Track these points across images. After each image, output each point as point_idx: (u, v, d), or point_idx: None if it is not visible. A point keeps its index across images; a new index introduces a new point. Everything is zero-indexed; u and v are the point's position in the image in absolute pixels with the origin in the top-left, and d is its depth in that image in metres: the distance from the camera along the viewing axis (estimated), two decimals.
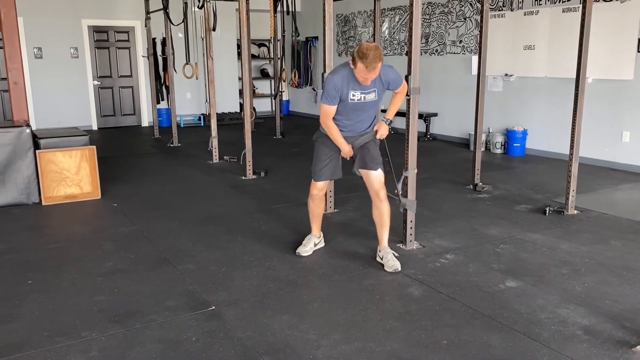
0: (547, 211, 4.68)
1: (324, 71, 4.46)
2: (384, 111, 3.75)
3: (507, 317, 2.88)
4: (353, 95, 3.32)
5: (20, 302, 3.10)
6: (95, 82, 10.28)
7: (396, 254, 3.63)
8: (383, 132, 3.56)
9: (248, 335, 2.71)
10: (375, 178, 3.54)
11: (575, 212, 4.73)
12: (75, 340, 2.66)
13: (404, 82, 3.56)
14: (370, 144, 3.54)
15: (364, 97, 3.35)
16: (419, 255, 3.79)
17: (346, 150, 3.50)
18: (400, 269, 3.48)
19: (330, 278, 3.40)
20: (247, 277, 3.43)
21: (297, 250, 3.78)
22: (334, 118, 3.43)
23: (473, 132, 5.78)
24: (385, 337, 2.69)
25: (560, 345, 2.60)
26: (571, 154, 4.69)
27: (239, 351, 2.57)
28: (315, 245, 3.84)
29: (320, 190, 3.69)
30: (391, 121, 3.58)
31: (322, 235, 3.94)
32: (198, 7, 7.20)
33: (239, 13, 5.99)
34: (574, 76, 4.59)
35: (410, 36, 3.62)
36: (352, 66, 3.20)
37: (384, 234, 3.65)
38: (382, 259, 3.61)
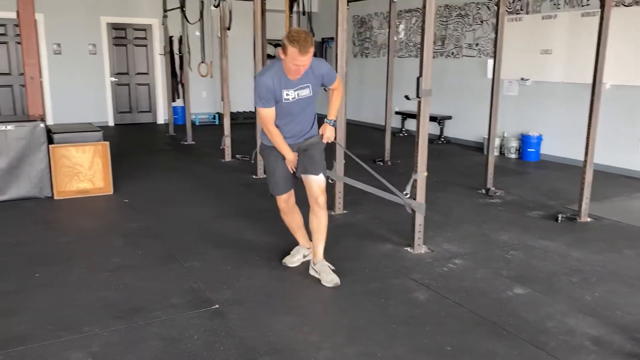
0: (560, 218, 4.61)
1: (337, 72, 4.43)
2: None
3: (513, 324, 2.83)
4: (287, 95, 3.10)
5: (27, 295, 3.13)
6: (113, 79, 10.37)
7: (332, 267, 3.37)
8: (329, 134, 3.37)
9: (250, 335, 2.70)
10: (315, 183, 3.28)
11: (589, 219, 4.65)
12: (78, 335, 2.67)
13: (339, 77, 3.37)
14: (314, 148, 3.31)
15: (298, 94, 3.13)
16: (426, 259, 3.75)
17: (290, 157, 3.24)
18: (340, 283, 3.25)
19: None
20: (252, 276, 3.42)
21: (283, 260, 3.59)
22: None
23: (487, 136, 5.71)
24: (389, 342, 2.66)
25: (567, 356, 2.55)
26: (586, 160, 4.61)
27: (239, 351, 2.55)
28: (304, 257, 3.60)
29: (286, 202, 3.42)
30: (335, 122, 3.40)
31: (312, 245, 3.54)
32: (214, 5, 7.22)
33: (254, 13, 5.99)
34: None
35: (423, 37, 3.58)
36: (282, 56, 2.95)
37: (320, 245, 3.37)
38: (318, 273, 3.35)
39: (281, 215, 3.51)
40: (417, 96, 3.64)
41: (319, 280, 3.32)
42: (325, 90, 3.44)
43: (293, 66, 2.95)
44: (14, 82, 9.51)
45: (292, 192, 3.44)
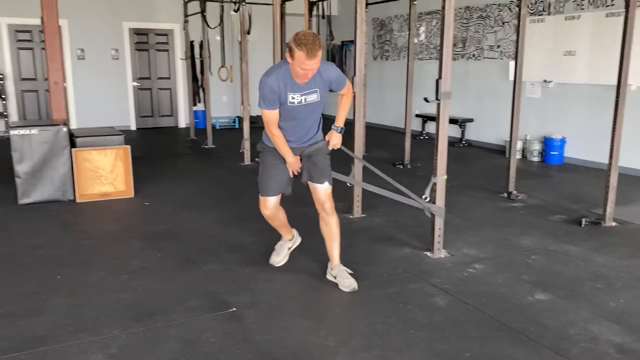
0: (583, 222, 4.52)
1: (354, 75, 4.43)
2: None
3: (534, 331, 2.78)
4: (293, 98, 2.99)
5: (48, 296, 3.17)
6: (135, 84, 10.50)
7: (350, 271, 3.34)
8: (336, 141, 3.28)
9: (266, 339, 2.69)
10: (321, 190, 3.22)
11: (613, 224, 4.55)
12: (97, 337, 2.70)
13: (348, 82, 3.24)
14: (319, 153, 3.24)
15: (305, 99, 3.02)
16: (446, 264, 3.70)
17: (291, 160, 3.15)
18: (357, 288, 3.21)
19: None
20: (270, 279, 3.41)
21: (270, 260, 3.54)
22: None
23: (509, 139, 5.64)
24: (406, 347, 2.63)
25: None
26: (610, 163, 4.51)
27: (256, 355, 2.55)
28: (289, 249, 3.59)
29: (271, 210, 3.31)
30: (342, 128, 3.28)
31: (294, 232, 3.62)
32: (234, 10, 7.28)
33: (273, 17, 6.01)
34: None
35: (442, 38, 3.54)
36: (289, 60, 2.85)
37: (334, 250, 3.32)
38: (335, 277, 3.31)
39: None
40: (436, 98, 3.61)
41: (336, 285, 3.30)
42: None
43: (300, 70, 2.84)
44: (40, 87, 9.69)
45: (279, 199, 3.32)
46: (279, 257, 3.57)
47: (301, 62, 2.80)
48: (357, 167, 4.59)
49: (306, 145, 3.23)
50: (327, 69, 3.05)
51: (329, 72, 3.06)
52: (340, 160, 4.11)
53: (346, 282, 3.25)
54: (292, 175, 3.24)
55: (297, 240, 3.70)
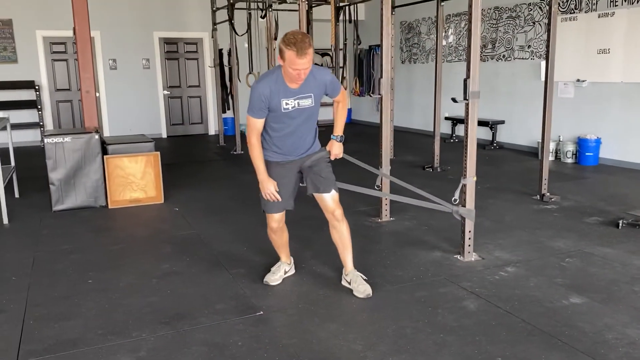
0: (621, 224, 4.37)
1: (381, 76, 4.40)
2: None
3: (569, 335, 2.69)
4: (287, 104, 2.91)
5: (80, 300, 3.22)
6: (165, 92, 10.68)
7: (365, 277, 3.27)
8: (337, 151, 3.21)
9: (293, 343, 2.67)
10: (329, 199, 3.14)
11: None
12: (126, 340, 2.72)
13: (343, 88, 3.17)
14: (321, 163, 3.15)
15: (298, 103, 2.93)
16: (477, 267, 3.63)
17: (263, 178, 3.03)
18: (372, 294, 3.14)
19: (382, 288, 3.30)
20: (297, 283, 3.40)
21: (264, 279, 3.39)
22: (270, 136, 3.04)
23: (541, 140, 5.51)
24: (435, 351, 2.57)
25: None
26: None
27: (283, 358, 2.53)
28: (285, 272, 3.47)
29: (279, 222, 3.25)
30: (342, 137, 3.21)
31: (292, 260, 3.56)
32: (261, 17, 7.33)
33: (299, 22, 6.02)
34: None
35: (470, 36, 3.49)
36: (280, 62, 2.78)
37: (347, 256, 3.26)
38: (349, 283, 3.24)
39: (268, 232, 3.30)
40: (464, 98, 3.55)
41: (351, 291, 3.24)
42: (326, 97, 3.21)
43: (292, 71, 2.76)
44: (74, 98, 9.95)
45: (284, 212, 3.26)
46: (275, 276, 3.41)
47: (292, 62, 2.72)
48: (385, 172, 4.55)
49: (305, 156, 3.15)
50: (320, 72, 2.99)
51: (323, 75, 2.99)
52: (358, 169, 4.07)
53: (361, 287, 3.19)
54: (267, 198, 3.08)
55: (292, 269, 3.55)
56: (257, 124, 2.96)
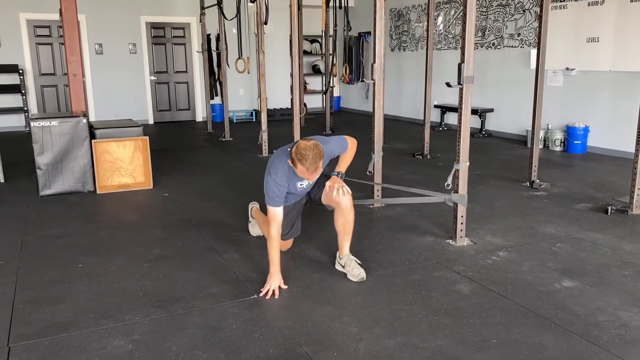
0: (609, 210, 4.41)
1: (374, 62, 4.37)
2: None
3: (562, 317, 2.71)
4: (301, 185, 3.18)
5: (71, 284, 3.18)
6: (152, 78, 10.54)
7: (359, 262, 3.29)
8: (337, 183, 3.20)
9: (288, 325, 2.66)
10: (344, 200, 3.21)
11: None
12: (119, 323, 2.69)
13: (349, 139, 3.28)
14: (321, 177, 3.27)
15: (311, 182, 3.21)
16: (469, 252, 3.64)
17: (274, 278, 3.01)
18: (365, 278, 3.16)
19: (375, 272, 3.30)
20: (291, 267, 3.38)
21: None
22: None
23: (530, 128, 5.53)
24: (431, 334, 2.58)
25: (621, 350, 2.41)
26: (637, 150, 4.39)
27: (278, 340, 2.52)
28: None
29: (286, 245, 3.51)
30: (343, 175, 3.29)
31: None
32: (251, 1, 7.24)
33: (290, 8, 5.96)
34: None
35: (465, 20, 3.47)
36: (291, 165, 2.92)
37: (346, 242, 3.29)
38: (343, 267, 3.27)
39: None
40: (459, 83, 3.54)
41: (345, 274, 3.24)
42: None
43: (303, 177, 2.98)
44: (59, 83, 9.78)
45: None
46: (254, 228, 3.87)
47: (303, 174, 2.90)
48: (377, 159, 4.54)
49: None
50: (327, 149, 3.03)
51: (329, 151, 3.10)
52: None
53: (355, 271, 3.20)
54: (267, 290, 3.00)
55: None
56: (278, 214, 3.06)
